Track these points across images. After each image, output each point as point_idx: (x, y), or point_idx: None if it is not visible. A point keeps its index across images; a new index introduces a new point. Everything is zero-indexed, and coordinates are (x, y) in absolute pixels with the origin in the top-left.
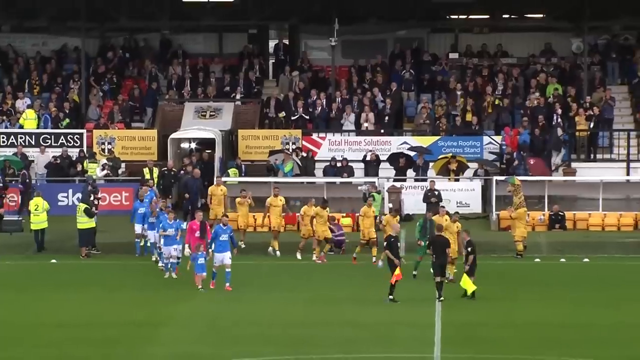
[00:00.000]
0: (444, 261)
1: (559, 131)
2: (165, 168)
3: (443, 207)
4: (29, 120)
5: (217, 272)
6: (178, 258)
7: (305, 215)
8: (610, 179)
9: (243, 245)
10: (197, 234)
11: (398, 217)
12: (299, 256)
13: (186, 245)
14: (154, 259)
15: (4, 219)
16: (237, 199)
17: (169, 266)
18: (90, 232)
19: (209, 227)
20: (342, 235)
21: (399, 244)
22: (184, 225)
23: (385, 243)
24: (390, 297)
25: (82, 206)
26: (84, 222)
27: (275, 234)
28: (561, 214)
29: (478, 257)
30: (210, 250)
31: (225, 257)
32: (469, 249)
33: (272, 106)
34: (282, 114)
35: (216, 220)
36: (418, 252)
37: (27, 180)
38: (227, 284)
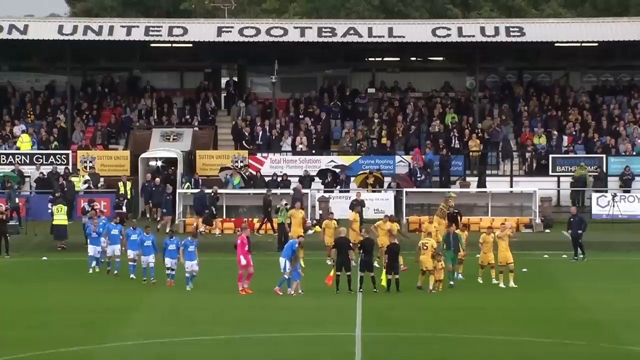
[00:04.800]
0: (370, 259)
1: (511, 143)
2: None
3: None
4: (25, 143)
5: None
6: (172, 269)
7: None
8: (497, 190)
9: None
10: (247, 247)
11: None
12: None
13: (241, 257)
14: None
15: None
16: (326, 221)
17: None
18: (63, 228)
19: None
20: None
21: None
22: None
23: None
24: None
25: (64, 207)
26: (59, 220)
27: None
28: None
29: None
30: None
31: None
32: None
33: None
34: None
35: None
36: (447, 262)
37: (66, 189)
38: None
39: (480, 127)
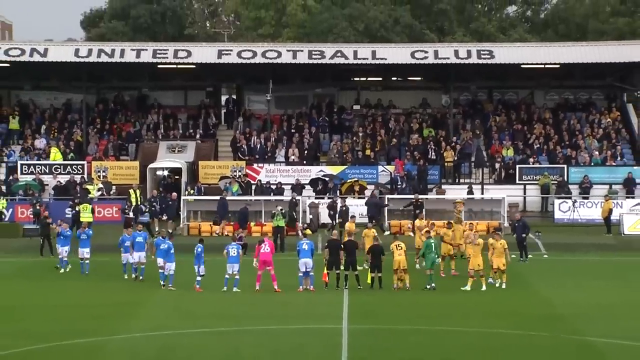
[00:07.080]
0: (354, 259)
1: (484, 154)
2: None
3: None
4: (58, 155)
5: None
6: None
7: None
8: (469, 196)
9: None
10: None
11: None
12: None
13: (254, 259)
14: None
15: (25, 227)
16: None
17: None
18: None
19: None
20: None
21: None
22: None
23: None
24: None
25: (89, 206)
26: (85, 217)
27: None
28: (434, 222)
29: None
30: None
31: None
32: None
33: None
34: None
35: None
36: (426, 267)
37: (79, 195)
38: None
39: (456, 140)
